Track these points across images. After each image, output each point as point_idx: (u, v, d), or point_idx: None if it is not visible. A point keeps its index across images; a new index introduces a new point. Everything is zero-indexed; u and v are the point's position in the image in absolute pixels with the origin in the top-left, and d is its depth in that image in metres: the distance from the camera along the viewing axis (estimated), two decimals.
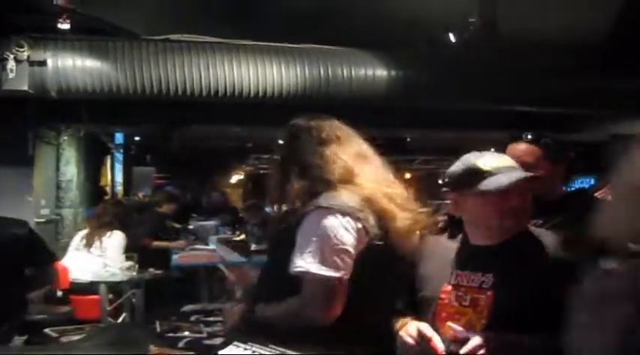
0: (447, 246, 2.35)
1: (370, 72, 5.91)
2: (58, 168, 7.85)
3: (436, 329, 2.15)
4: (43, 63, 5.39)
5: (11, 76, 5.19)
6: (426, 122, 7.50)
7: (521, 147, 2.85)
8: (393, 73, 5.95)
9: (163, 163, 14.42)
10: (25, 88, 5.34)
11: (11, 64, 5.18)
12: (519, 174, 2.17)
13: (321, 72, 5.81)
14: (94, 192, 9.56)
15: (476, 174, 2.16)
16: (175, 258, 7.21)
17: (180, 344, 4.63)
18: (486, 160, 2.20)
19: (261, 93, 5.76)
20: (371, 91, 5.96)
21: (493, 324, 2.07)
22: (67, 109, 6.46)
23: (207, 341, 4.52)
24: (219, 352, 2.62)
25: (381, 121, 6.92)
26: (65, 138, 7.88)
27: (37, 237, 4.16)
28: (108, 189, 10.86)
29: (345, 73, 5.86)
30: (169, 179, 15.96)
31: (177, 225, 9.07)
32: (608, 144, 8.41)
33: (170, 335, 4.84)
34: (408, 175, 14.51)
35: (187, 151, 12.09)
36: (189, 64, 5.60)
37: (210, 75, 5.64)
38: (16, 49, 5.20)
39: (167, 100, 5.72)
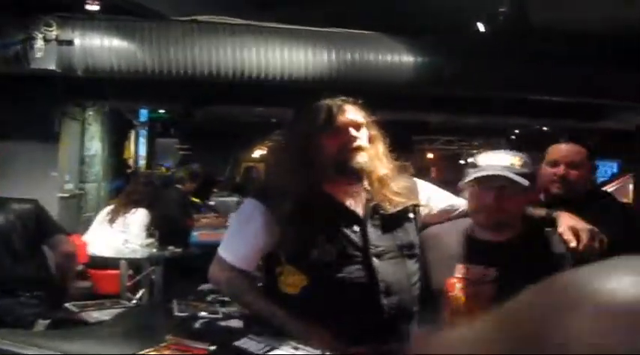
0: (451, 238, 2.43)
1: (397, 58, 5.87)
2: (82, 144, 7.92)
3: (445, 321, 2.28)
4: (70, 42, 5.38)
5: (39, 54, 5.20)
6: (452, 108, 7.49)
7: (567, 146, 2.98)
8: (419, 59, 5.90)
9: (187, 136, 14.42)
10: (53, 67, 5.35)
11: (40, 43, 5.19)
12: (495, 171, 2.24)
13: (348, 56, 5.78)
14: (117, 166, 9.64)
15: (472, 167, 2.31)
16: (195, 234, 7.21)
17: (196, 325, 4.65)
18: (485, 157, 2.34)
19: (286, 77, 5.73)
20: (397, 77, 5.92)
21: None
22: (93, 86, 6.50)
23: (223, 323, 4.52)
24: (235, 343, 2.66)
25: (406, 106, 6.94)
26: (90, 113, 7.93)
27: (48, 213, 4.28)
28: (131, 161, 10.94)
29: (371, 58, 5.82)
30: (192, 150, 15.97)
31: (198, 200, 9.09)
32: (634, 134, 8.39)
33: (186, 315, 4.87)
34: (430, 155, 14.51)
35: (211, 125, 12.09)
36: (216, 46, 5.57)
37: (236, 57, 5.60)
38: (45, 28, 5.21)
39: (193, 81, 5.71)
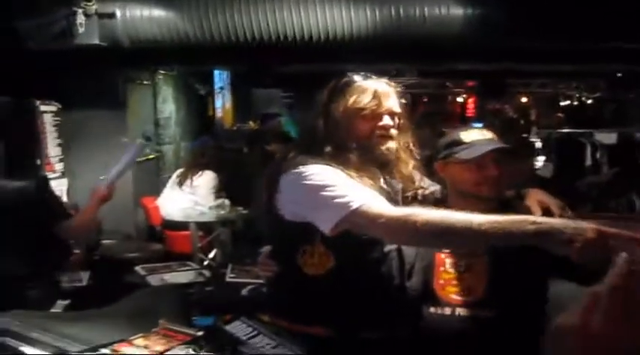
0: None
1: (445, 11, 5.58)
2: (155, 107, 8.08)
3: (434, 297, 2.35)
4: (112, 15, 5.46)
5: (81, 30, 5.29)
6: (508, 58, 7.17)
7: None
8: (469, 11, 5.59)
9: (291, 83, 13.89)
10: (97, 41, 5.42)
11: (80, 18, 5.27)
12: (493, 145, 2.36)
13: (392, 12, 5.55)
14: (197, 125, 9.73)
15: (458, 145, 2.39)
16: None
17: (244, 292, 4.72)
18: (469, 134, 2.44)
19: (331, 36, 5.58)
20: (447, 31, 5.63)
21: (493, 287, 2.27)
22: (149, 54, 6.56)
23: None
24: (226, 326, 2.68)
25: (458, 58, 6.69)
26: (160, 77, 8.07)
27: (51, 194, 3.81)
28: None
29: (417, 13, 5.57)
30: (294, 98, 15.63)
31: None
32: None
33: (236, 280, 4.94)
34: (524, 99, 13.95)
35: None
36: (255, 10, 5.47)
37: (277, 19, 5.49)
38: (84, 3, 5.29)
39: (235, 46, 5.66)
